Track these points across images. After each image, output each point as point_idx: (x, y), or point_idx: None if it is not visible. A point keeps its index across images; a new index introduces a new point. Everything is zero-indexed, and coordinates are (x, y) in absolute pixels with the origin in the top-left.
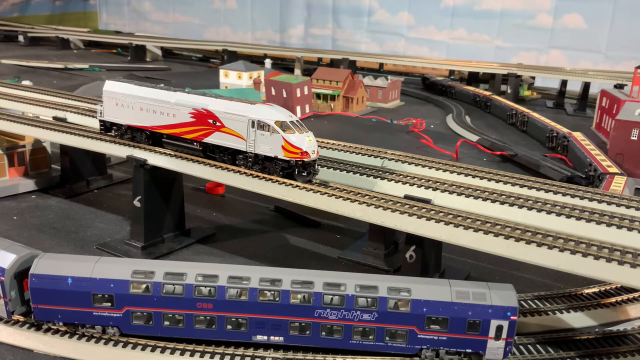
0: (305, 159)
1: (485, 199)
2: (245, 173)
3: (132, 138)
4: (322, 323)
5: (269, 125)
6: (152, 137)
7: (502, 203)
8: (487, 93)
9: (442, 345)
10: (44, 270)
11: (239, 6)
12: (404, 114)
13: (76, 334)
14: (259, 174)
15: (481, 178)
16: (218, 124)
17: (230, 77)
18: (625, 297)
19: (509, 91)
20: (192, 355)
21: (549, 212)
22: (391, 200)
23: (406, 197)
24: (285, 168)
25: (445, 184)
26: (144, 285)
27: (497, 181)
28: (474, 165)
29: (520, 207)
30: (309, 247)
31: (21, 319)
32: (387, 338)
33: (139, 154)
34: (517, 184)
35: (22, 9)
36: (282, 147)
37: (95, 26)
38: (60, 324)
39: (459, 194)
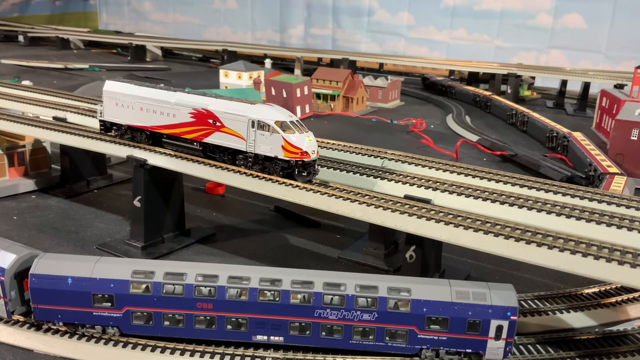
0: (305, 159)
1: (485, 199)
2: (245, 173)
3: (132, 138)
4: (322, 323)
5: (269, 125)
6: (152, 137)
7: (502, 203)
8: (487, 93)
9: (442, 345)
10: (44, 270)
11: (239, 6)
12: (404, 114)
13: (76, 334)
14: (259, 174)
15: (481, 178)
16: (218, 124)
17: (230, 77)
18: (625, 297)
19: (509, 91)
20: (192, 355)
21: (549, 212)
22: (391, 200)
23: (406, 197)
24: (285, 168)
25: (445, 184)
26: (144, 285)
27: (497, 181)
28: (474, 165)
29: (520, 207)
30: (309, 247)
31: (21, 319)
32: (387, 338)
33: (139, 154)
34: (517, 184)
35: (22, 9)
36: (282, 147)
37: (95, 26)
38: (60, 324)
39: (459, 194)
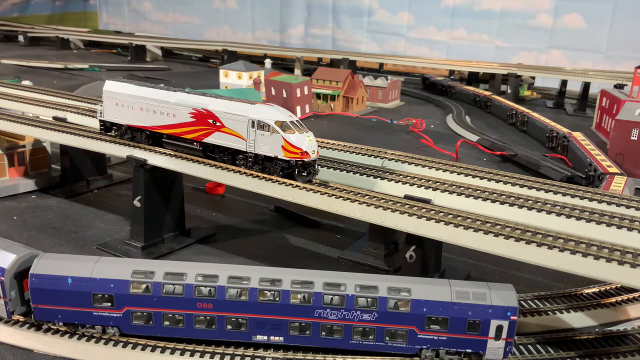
0: (305, 159)
1: (485, 199)
2: (245, 173)
3: (132, 138)
4: (322, 323)
5: (269, 125)
6: (152, 137)
7: (502, 203)
8: (487, 93)
9: (442, 345)
10: (44, 270)
11: (239, 6)
12: (404, 114)
13: (76, 334)
14: (259, 174)
15: (481, 178)
16: (218, 124)
17: (230, 77)
18: (625, 297)
19: (509, 91)
20: (192, 355)
21: (549, 212)
22: (391, 200)
23: (406, 197)
24: (285, 168)
25: (445, 184)
26: (144, 285)
27: (497, 181)
28: (474, 165)
29: (520, 207)
30: (309, 247)
31: (21, 319)
32: (387, 338)
33: (139, 154)
34: (517, 184)
35: (22, 9)
36: (282, 147)
37: (95, 26)
38: (60, 324)
39: (459, 194)
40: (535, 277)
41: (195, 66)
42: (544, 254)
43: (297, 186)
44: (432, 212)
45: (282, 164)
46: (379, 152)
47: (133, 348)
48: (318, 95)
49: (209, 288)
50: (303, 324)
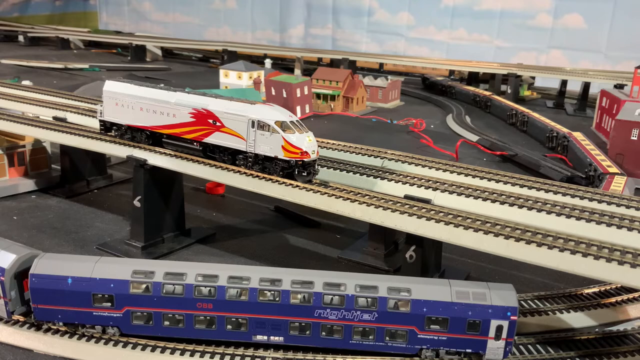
0: (305, 159)
1: (485, 199)
2: (245, 173)
3: (132, 138)
4: (322, 323)
5: (269, 125)
6: (152, 137)
7: (502, 203)
8: (487, 93)
9: (442, 345)
10: (44, 270)
11: (239, 6)
12: (404, 114)
13: (76, 334)
14: (259, 174)
15: (481, 178)
16: (218, 124)
17: (230, 77)
18: (625, 297)
19: (509, 91)
20: (192, 355)
21: (549, 212)
22: (391, 200)
23: (406, 197)
24: (285, 168)
25: (445, 184)
26: (144, 285)
27: (497, 181)
28: (474, 165)
29: (520, 207)
30: (309, 247)
31: (21, 319)
32: (387, 338)
33: (139, 154)
34: (517, 184)
35: (22, 9)
36: (282, 147)
37: (95, 26)
38: (60, 324)
39: (459, 194)
40: (535, 277)
41: (195, 66)
42: (544, 254)
43: (297, 186)
44: (432, 212)
45: (282, 164)
46: (379, 152)
47: (133, 348)
48: (318, 95)
49: (209, 288)
50: (303, 324)
